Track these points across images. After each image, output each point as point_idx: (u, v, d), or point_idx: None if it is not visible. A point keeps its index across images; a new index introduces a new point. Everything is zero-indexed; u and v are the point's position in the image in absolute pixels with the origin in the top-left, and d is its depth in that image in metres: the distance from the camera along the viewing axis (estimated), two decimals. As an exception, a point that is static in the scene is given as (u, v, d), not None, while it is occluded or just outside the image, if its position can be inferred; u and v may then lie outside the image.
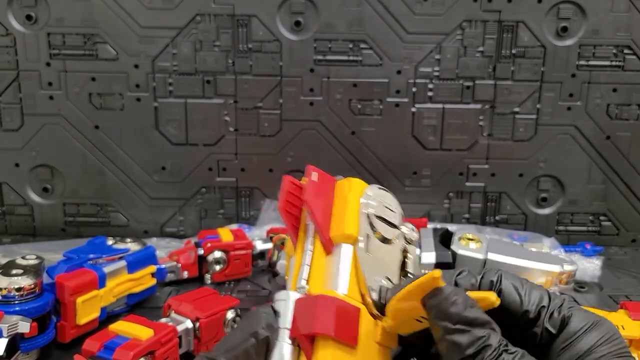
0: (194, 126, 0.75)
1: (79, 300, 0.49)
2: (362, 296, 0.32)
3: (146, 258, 0.58)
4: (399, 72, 0.74)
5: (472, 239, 0.60)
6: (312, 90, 0.74)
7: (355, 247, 0.33)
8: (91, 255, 0.54)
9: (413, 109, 0.75)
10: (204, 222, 0.78)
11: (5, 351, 0.43)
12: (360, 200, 0.35)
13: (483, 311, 0.27)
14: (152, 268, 0.58)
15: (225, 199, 0.78)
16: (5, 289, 0.46)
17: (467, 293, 0.28)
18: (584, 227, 0.79)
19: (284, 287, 0.33)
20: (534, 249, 0.64)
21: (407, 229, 0.36)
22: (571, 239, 0.78)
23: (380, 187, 0.37)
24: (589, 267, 0.68)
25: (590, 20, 0.72)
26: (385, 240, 0.34)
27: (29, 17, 0.71)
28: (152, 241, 0.72)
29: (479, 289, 0.31)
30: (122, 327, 0.45)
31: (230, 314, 0.50)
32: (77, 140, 0.75)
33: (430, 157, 0.76)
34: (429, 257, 0.56)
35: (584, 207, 0.78)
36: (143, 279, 0.57)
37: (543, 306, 0.29)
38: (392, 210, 0.36)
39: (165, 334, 0.45)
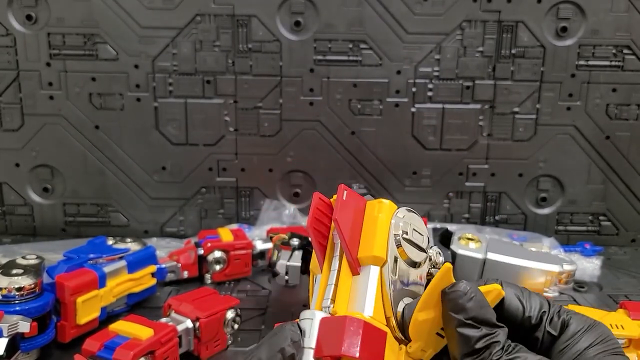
0: (194, 126, 0.75)
1: (79, 300, 0.50)
2: (387, 319, 0.32)
3: (146, 258, 0.58)
4: (398, 72, 0.74)
5: (471, 239, 0.60)
6: (312, 90, 0.74)
7: (382, 269, 0.33)
8: (91, 255, 0.54)
9: (413, 109, 0.75)
10: (204, 222, 0.78)
11: (5, 351, 0.43)
12: (391, 222, 0.35)
13: (493, 305, 0.30)
14: (152, 268, 0.58)
15: (225, 199, 0.78)
16: (5, 288, 0.46)
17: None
18: (584, 227, 0.79)
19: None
20: (533, 249, 0.64)
21: (434, 253, 0.36)
22: (571, 238, 0.78)
23: (410, 209, 0.36)
24: (589, 267, 0.69)
25: (589, 20, 0.72)
26: (413, 263, 0.34)
27: (29, 17, 0.71)
28: (152, 241, 0.72)
29: None
30: (122, 326, 0.45)
31: (230, 314, 0.50)
32: (77, 140, 0.75)
33: (430, 157, 0.76)
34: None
35: (583, 207, 0.78)
36: (143, 279, 0.57)
37: (544, 311, 0.31)
38: (420, 234, 0.35)
39: (165, 333, 0.45)
